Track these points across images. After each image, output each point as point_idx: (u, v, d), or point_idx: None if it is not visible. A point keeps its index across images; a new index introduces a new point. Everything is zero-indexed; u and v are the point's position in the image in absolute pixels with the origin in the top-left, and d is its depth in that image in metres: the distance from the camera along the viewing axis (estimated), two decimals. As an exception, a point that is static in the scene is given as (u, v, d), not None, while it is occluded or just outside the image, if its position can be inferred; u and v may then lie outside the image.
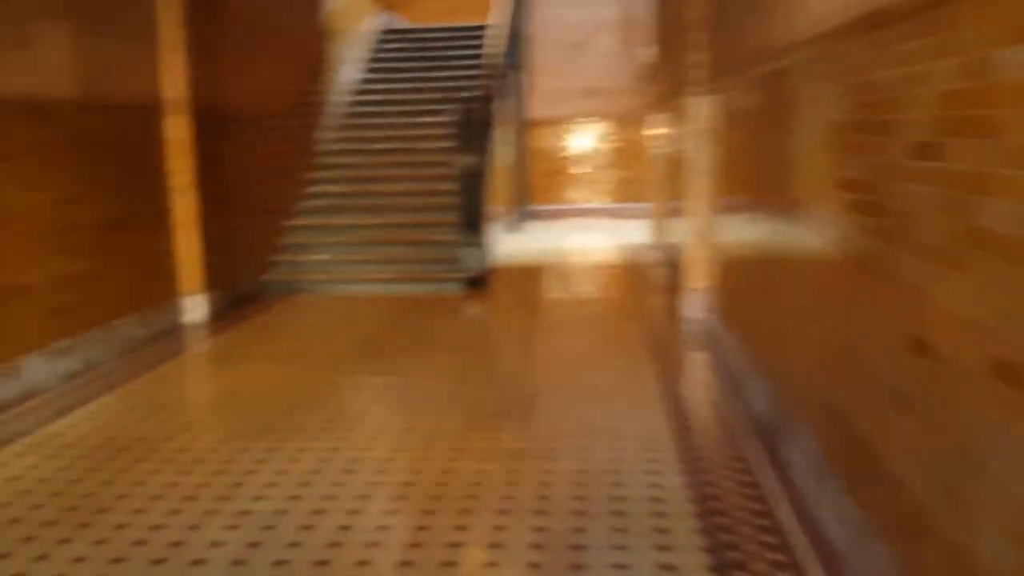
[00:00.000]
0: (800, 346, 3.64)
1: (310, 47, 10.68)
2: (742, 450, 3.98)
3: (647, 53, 15.72)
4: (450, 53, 13.17)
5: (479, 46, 13.21)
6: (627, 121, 16.08)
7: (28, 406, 4.87)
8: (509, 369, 5.70)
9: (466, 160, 9.13)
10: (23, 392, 5.00)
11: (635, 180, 16.17)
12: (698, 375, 5.41)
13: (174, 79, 6.87)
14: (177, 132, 6.90)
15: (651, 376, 5.34)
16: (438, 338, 6.60)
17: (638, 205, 16.11)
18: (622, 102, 16.06)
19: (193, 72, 7.08)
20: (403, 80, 12.48)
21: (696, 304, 6.93)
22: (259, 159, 8.79)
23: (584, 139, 16.30)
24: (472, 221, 9.23)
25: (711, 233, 6.68)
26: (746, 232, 5.20)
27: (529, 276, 9.66)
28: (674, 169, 9.49)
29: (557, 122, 16.19)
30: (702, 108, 6.67)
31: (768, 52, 4.39)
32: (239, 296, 8.18)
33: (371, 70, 12.85)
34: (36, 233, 5.18)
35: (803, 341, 3.59)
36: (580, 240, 12.89)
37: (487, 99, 9.35)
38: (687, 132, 7.13)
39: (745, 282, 5.19)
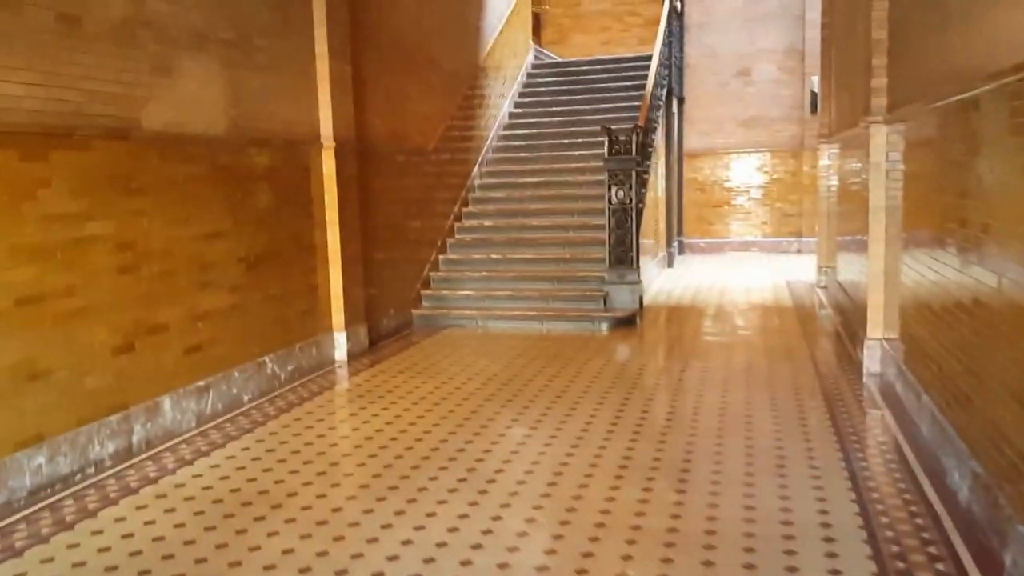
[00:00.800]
0: (1017, 417, 2.96)
1: (463, 80, 10.59)
2: (947, 552, 3.29)
3: (813, 82, 14.81)
4: (602, 85, 12.81)
5: (633, 77, 12.80)
6: (788, 152, 15.17)
7: (159, 451, 4.78)
8: (659, 425, 5.16)
9: (618, 194, 8.69)
10: (158, 435, 4.94)
11: (795, 214, 15.20)
12: (883, 444, 4.68)
13: (324, 113, 6.82)
14: (326, 166, 6.83)
15: (825, 440, 4.67)
16: (585, 383, 6.16)
17: (799, 240, 15.14)
18: (783, 133, 15.19)
19: (344, 106, 7.02)
20: (555, 114, 12.21)
21: (877, 355, 6.15)
22: (408, 193, 8.69)
23: (742, 170, 15.49)
24: (623, 257, 8.76)
25: (895, 274, 5.91)
26: (938, 275, 4.48)
27: (683, 315, 9.06)
28: (846, 203, 8.67)
29: (715, 153, 15.48)
30: (883, 138, 5.95)
31: (958, 78, 3.76)
32: (385, 331, 8.05)
33: (523, 104, 12.67)
34: (176, 270, 5.13)
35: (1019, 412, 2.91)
36: (738, 276, 12.11)
37: (641, 131, 8.89)
38: (866, 163, 6.40)
39: (939, 332, 4.46)
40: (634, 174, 8.74)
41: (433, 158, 9.39)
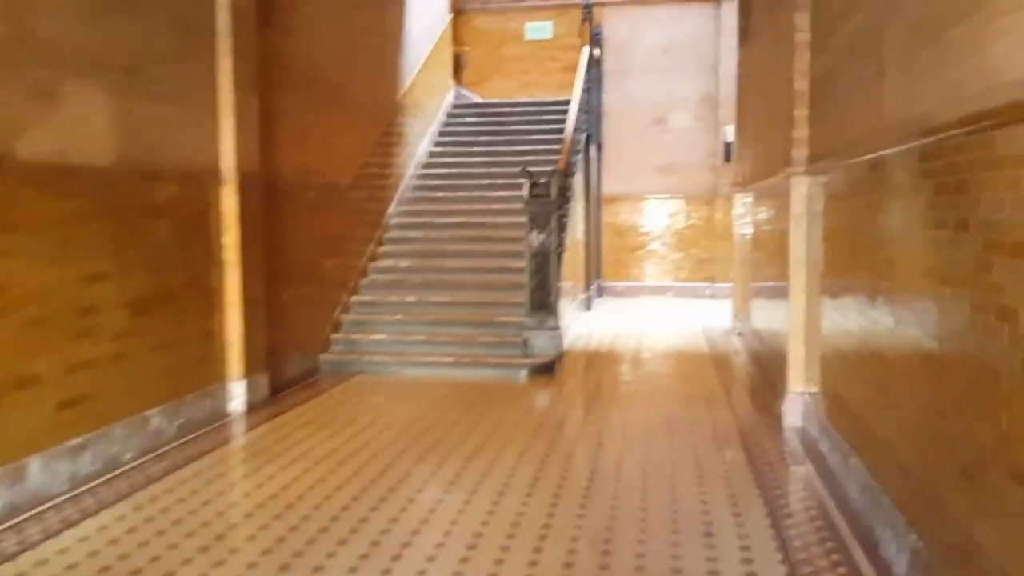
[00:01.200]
0: (940, 468, 2.78)
1: (381, 117, 10.29)
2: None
3: (726, 131, 15.07)
4: (523, 127, 12.72)
5: (553, 121, 12.76)
6: (702, 199, 15.34)
7: (22, 520, 4.24)
8: (582, 484, 4.88)
9: (538, 237, 8.48)
10: (23, 501, 4.39)
11: (708, 259, 15.34)
12: (811, 508, 4.50)
13: (227, 146, 6.41)
14: (227, 202, 6.40)
15: (752, 502, 4.46)
16: (504, 436, 5.84)
17: (712, 285, 15.27)
18: (698, 180, 15.36)
19: (249, 139, 6.62)
20: (475, 154, 12.03)
21: (799, 409, 6.03)
22: (320, 230, 8.29)
23: (659, 216, 15.58)
24: (543, 302, 8.53)
25: (815, 326, 5.82)
26: (862, 328, 4.37)
27: (603, 362, 8.86)
28: (761, 251, 8.68)
29: (632, 198, 15.53)
30: (804, 189, 5.90)
31: (872, 137, 3.70)
32: (290, 378, 7.58)
33: (443, 144, 12.45)
34: (52, 315, 4.63)
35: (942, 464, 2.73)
36: (655, 321, 12.04)
37: (561, 174, 8.74)
38: (785, 213, 6.35)
39: (865, 389, 4.34)
40: (554, 218, 8.56)
41: (348, 195, 9.02)
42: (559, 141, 12.00)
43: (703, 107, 15.34)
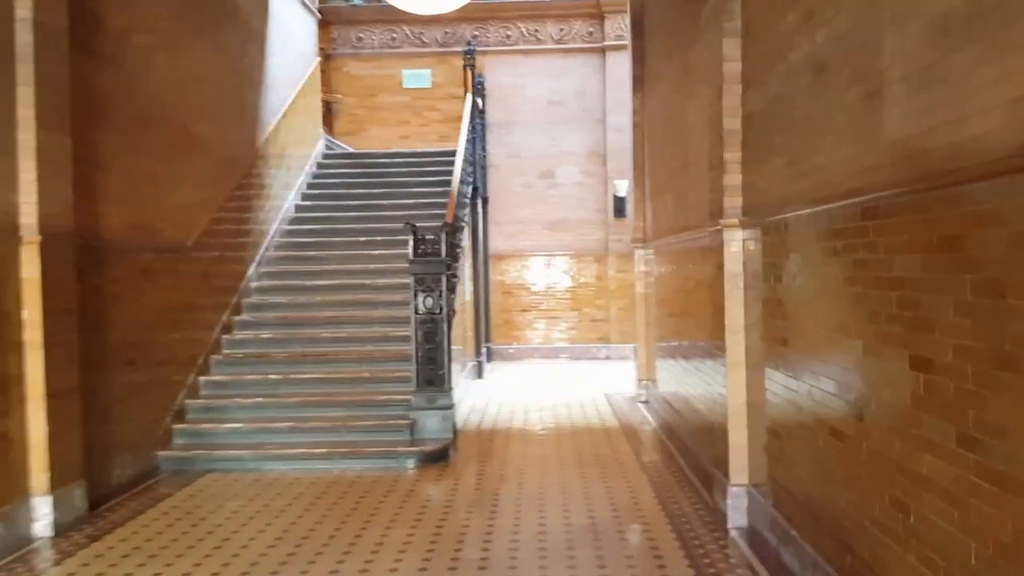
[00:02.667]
0: None
1: (238, 166, 8.97)
2: None
3: (616, 186, 14.48)
4: (403, 179, 11.64)
5: (436, 172, 11.76)
6: (593, 256, 14.61)
7: None
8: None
9: (426, 302, 7.34)
10: None
11: (602, 319, 14.57)
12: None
13: (28, 197, 5.02)
14: (27, 268, 4.99)
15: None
16: (391, 554, 4.60)
17: (607, 346, 14.48)
18: (588, 236, 14.65)
19: (58, 188, 5.24)
20: (350, 208, 10.84)
21: (743, 505, 5.06)
22: (159, 299, 6.86)
23: (549, 274, 14.72)
24: (433, 377, 7.36)
25: (759, 406, 4.91)
26: (813, 399, 3.46)
27: (503, 443, 7.72)
28: (671, 311, 7.84)
29: (521, 255, 14.64)
30: (739, 244, 5.04)
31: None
32: (117, 485, 6.08)
33: (312, 197, 11.20)
34: None
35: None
36: (553, 388, 11.04)
37: (451, 229, 7.67)
38: (709, 269, 5.49)
39: (819, 470, 3.40)
40: (444, 279, 7.46)
41: (195, 255, 7.63)
42: (443, 194, 10.97)
43: (591, 161, 14.70)
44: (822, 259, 3.80)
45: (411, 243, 7.41)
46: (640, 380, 9.93)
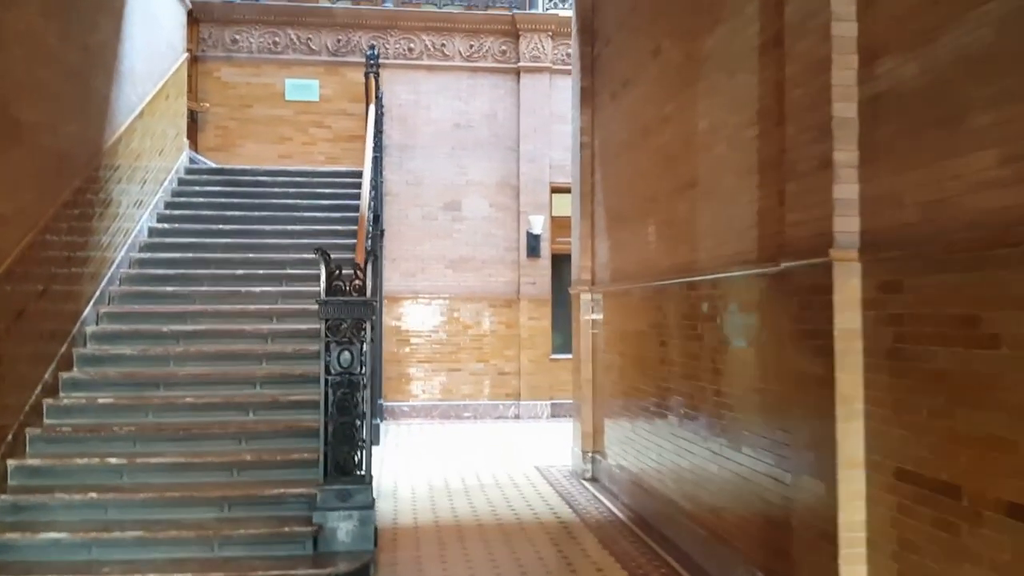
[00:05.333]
0: None
1: (76, 168, 6.66)
2: None
3: (531, 222, 12.83)
4: (289, 202, 9.52)
5: (333, 196, 9.75)
6: (502, 301, 12.85)
7: None
8: None
9: (342, 357, 5.32)
10: None
11: (512, 373, 12.79)
12: None
13: None
14: None
15: None
16: None
17: (517, 403, 12.67)
18: (497, 278, 12.90)
19: None
20: (222, 234, 8.62)
21: None
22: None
23: (452, 320, 12.82)
24: (347, 462, 5.33)
25: (878, 514, 3.24)
26: None
27: (433, 550, 5.75)
28: (643, 370, 6.19)
29: (420, 297, 12.68)
30: (855, 288, 3.41)
31: None
32: None
33: (173, 219, 8.91)
34: None
35: None
36: (471, 459, 9.12)
37: (374, 259, 5.69)
38: (790, 323, 3.85)
39: None
40: (368, 327, 5.46)
41: (5, 288, 5.31)
42: (341, 221, 9.03)
43: (502, 193, 13.00)
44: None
45: (323, 277, 5.39)
46: (584, 452, 8.17)
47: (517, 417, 12.60)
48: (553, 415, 12.62)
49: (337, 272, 5.46)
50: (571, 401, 12.74)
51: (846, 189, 3.43)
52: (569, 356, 12.85)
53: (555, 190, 12.91)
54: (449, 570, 5.34)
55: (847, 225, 3.43)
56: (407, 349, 12.61)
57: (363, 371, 5.40)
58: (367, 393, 5.44)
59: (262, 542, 5.11)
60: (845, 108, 3.45)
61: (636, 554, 5.63)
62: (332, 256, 5.50)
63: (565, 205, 12.93)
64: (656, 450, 6.13)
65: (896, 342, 3.21)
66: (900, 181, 3.20)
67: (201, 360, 6.67)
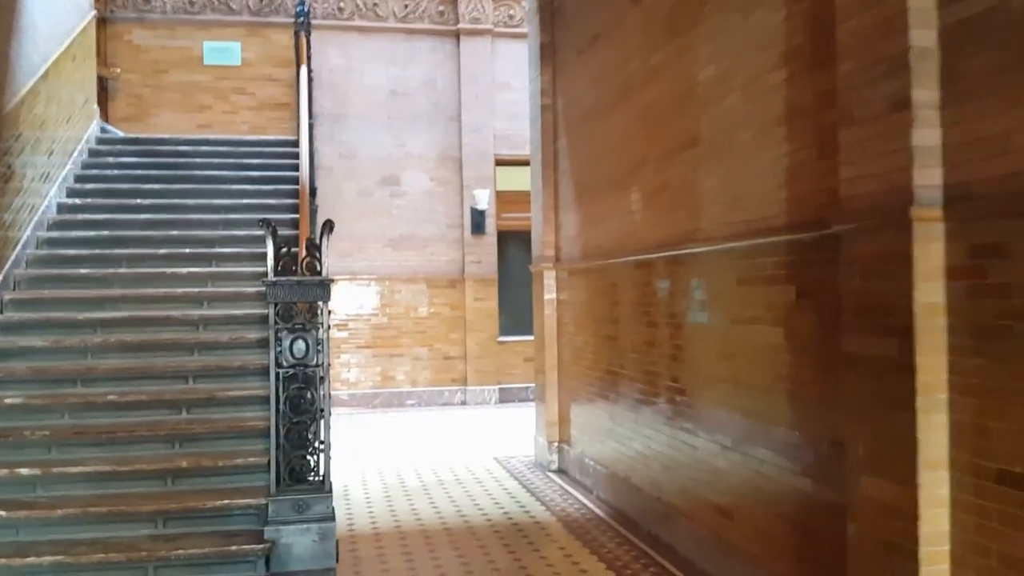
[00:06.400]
0: None
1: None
2: None
3: (475, 197, 12.12)
4: (216, 174, 8.57)
5: (264, 167, 8.87)
6: (446, 281, 12.16)
7: None
8: None
9: (295, 347, 4.58)
10: None
11: (458, 357, 12.15)
12: None
13: None
14: None
15: None
16: None
17: (463, 389, 12.03)
18: (440, 257, 12.20)
19: None
20: (141, 210, 7.66)
21: None
22: None
23: (392, 302, 12.06)
24: (301, 468, 4.61)
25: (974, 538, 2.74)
26: None
27: (399, 564, 5.09)
28: (620, 348, 5.65)
29: (357, 279, 11.87)
30: (936, 247, 2.87)
31: None
32: None
33: (85, 193, 7.92)
34: None
35: None
36: (424, 452, 8.45)
37: (330, 231, 4.90)
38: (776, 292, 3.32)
39: None
40: (323, 310, 4.72)
41: None
42: (274, 194, 8.19)
43: (444, 166, 12.27)
44: None
45: (270, 254, 4.61)
46: (549, 442, 7.58)
47: (464, 403, 11.96)
48: (502, 400, 12.02)
49: (286, 249, 4.70)
50: (521, 385, 12.28)
51: (927, 135, 2.88)
52: (518, 338, 12.32)
53: (500, 163, 12.24)
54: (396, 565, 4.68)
55: (929, 178, 2.88)
56: (344, 334, 11.80)
57: (320, 362, 4.66)
58: (326, 387, 4.70)
59: (205, 563, 4.36)
60: (923, 36, 2.89)
61: (627, 558, 5.07)
62: (288, 232, 4.73)
63: (512, 179, 12.31)
64: (643, 441, 5.58)
65: (998, 318, 2.68)
66: (1002, 123, 2.66)
67: (124, 352, 5.78)
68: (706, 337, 4.66)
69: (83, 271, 6.65)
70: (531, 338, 11.88)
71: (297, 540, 4.48)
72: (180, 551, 4.35)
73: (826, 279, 3.52)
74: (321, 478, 4.64)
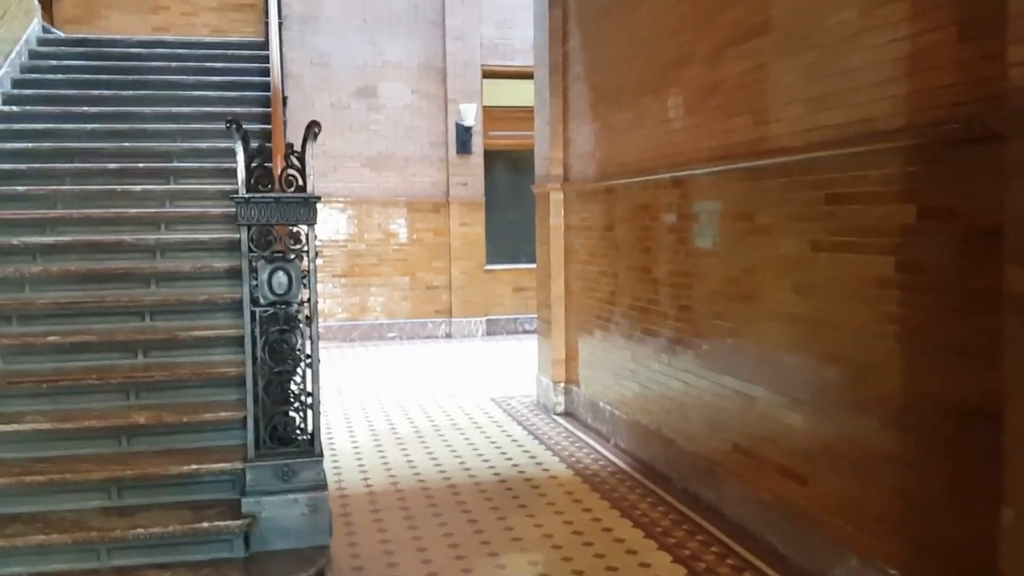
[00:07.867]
0: None
1: None
2: None
3: (461, 112, 11.13)
4: (172, 78, 7.53)
5: (226, 71, 7.86)
6: (429, 204, 11.26)
7: None
8: None
9: (276, 280, 3.73)
10: None
11: (442, 286, 11.33)
12: None
13: None
14: None
15: None
16: None
17: (448, 321, 11.26)
18: (421, 178, 11.26)
19: None
20: (88, 119, 6.64)
21: None
22: None
23: (371, 228, 11.16)
24: (286, 428, 3.81)
25: None
26: None
27: (403, 532, 4.37)
28: (648, 278, 4.87)
29: (332, 202, 10.93)
30: None
31: None
32: None
33: (25, 99, 6.87)
34: None
35: None
36: (413, 391, 7.71)
37: (298, 152, 3.97)
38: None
39: None
40: (308, 235, 3.86)
41: None
42: (240, 101, 7.21)
43: (426, 77, 11.22)
44: None
45: (241, 163, 3.71)
46: (555, 382, 6.85)
47: (449, 336, 11.21)
48: (489, 333, 11.28)
49: (259, 162, 3.80)
50: (509, 317, 11.54)
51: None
52: (507, 266, 11.53)
53: (488, 74, 11.22)
54: (435, 567, 3.94)
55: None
56: (320, 261, 10.91)
57: (307, 302, 3.82)
58: (313, 329, 3.87)
59: (170, 544, 3.58)
60: None
61: (667, 523, 4.38)
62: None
63: (500, 92, 11.32)
64: (679, 387, 4.84)
65: None
66: None
67: (68, 283, 4.87)
68: (772, 268, 3.88)
69: (20, 188, 5.67)
70: (521, 266, 11.26)
71: (282, 513, 3.71)
72: (139, 530, 3.56)
73: (966, 195, 2.73)
74: (309, 438, 3.84)
